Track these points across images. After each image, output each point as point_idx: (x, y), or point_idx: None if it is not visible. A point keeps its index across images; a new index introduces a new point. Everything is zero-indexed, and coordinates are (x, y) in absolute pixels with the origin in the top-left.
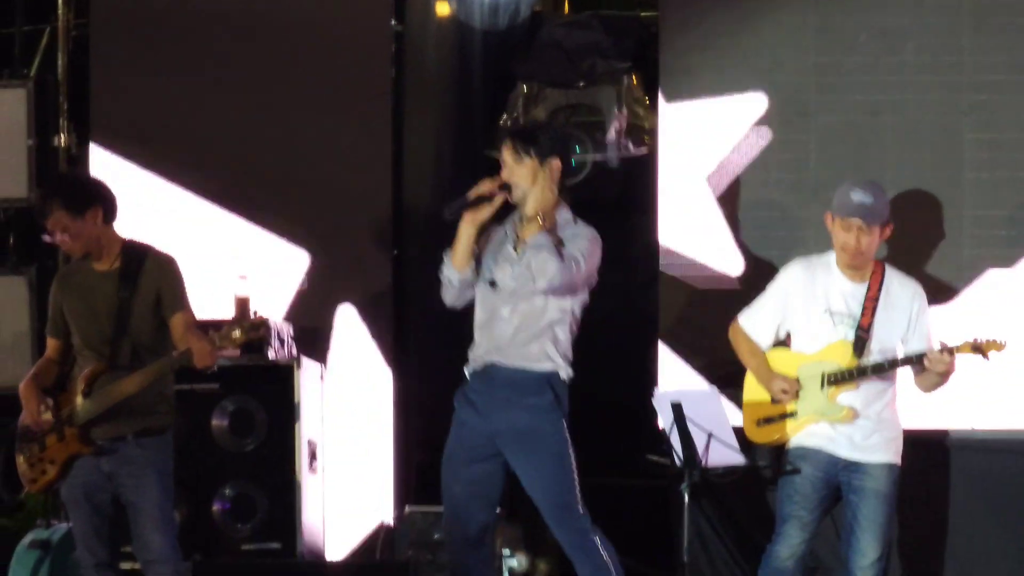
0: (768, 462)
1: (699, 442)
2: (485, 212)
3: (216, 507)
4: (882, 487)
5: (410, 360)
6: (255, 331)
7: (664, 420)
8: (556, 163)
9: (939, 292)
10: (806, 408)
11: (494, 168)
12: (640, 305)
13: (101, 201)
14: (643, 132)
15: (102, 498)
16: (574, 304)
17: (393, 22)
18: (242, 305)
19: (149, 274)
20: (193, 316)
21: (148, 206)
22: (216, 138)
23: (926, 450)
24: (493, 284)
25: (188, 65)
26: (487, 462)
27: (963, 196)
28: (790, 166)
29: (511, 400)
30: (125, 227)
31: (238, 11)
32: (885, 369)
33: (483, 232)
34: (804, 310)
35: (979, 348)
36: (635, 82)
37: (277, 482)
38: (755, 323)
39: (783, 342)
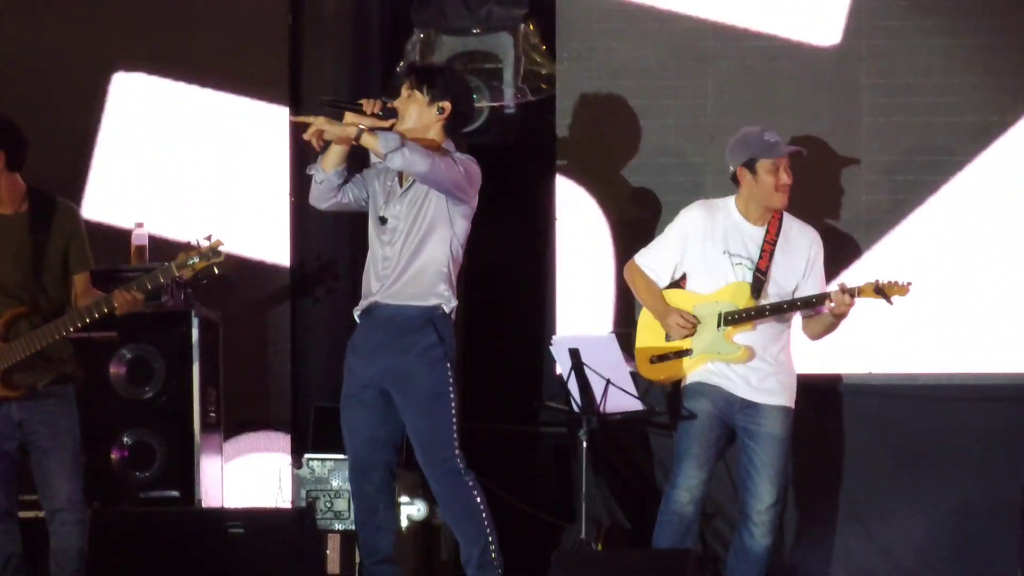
0: (664, 408)
1: (597, 388)
2: (365, 121)
3: (114, 455)
4: (777, 431)
5: (307, 306)
6: (215, 256)
7: (562, 366)
8: (447, 106)
9: (837, 237)
10: (701, 346)
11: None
12: (538, 251)
13: (6, 146)
14: (540, 79)
15: (9, 446)
16: (455, 236)
17: None
18: (140, 253)
19: (60, 221)
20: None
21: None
22: (107, 84)
23: (821, 394)
24: (384, 221)
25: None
26: (375, 406)
27: (860, 141)
28: (687, 111)
29: (391, 341)
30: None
31: None
32: (784, 310)
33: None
34: (703, 251)
35: (881, 290)
36: (531, 28)
37: (175, 430)
38: (653, 261)
39: (677, 284)
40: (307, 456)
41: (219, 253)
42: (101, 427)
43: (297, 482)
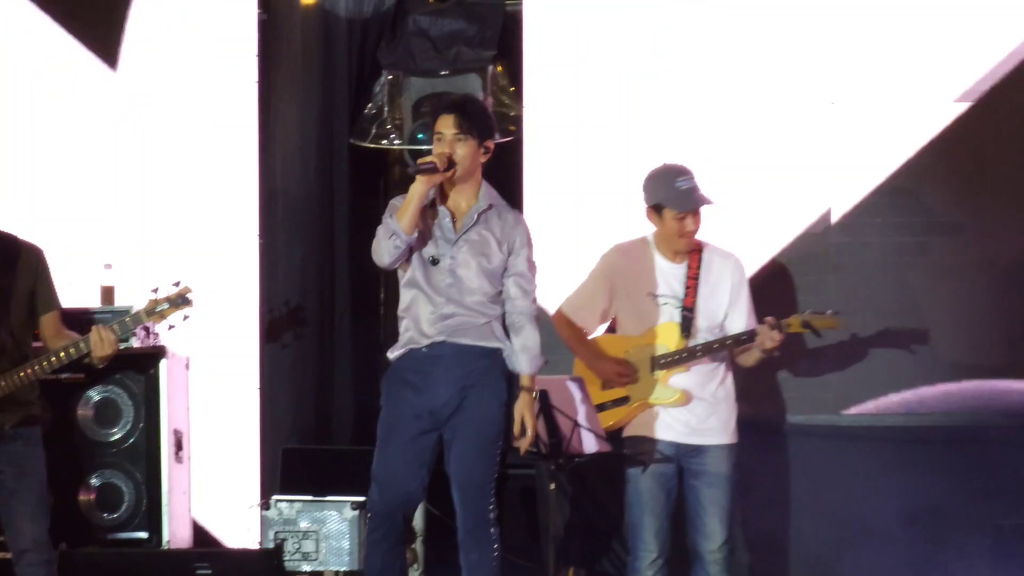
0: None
1: (565, 430)
2: (437, 179)
3: (82, 497)
4: (723, 469)
5: (277, 348)
6: (185, 303)
7: None
8: (492, 145)
9: (807, 280)
10: (638, 393)
11: (359, 155)
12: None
13: None
14: (509, 120)
15: None
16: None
17: (258, 11)
18: (108, 294)
19: (26, 263)
20: (60, 315)
21: (11, 192)
22: (77, 126)
23: (766, 435)
24: (435, 262)
25: (50, 50)
26: (426, 436)
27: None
28: (655, 151)
29: (459, 378)
30: None
31: None
32: (714, 349)
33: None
34: (627, 295)
35: (808, 324)
36: (500, 70)
37: (143, 472)
38: (579, 308)
39: (612, 329)
40: (275, 497)
41: (188, 300)
42: (69, 468)
43: (265, 523)
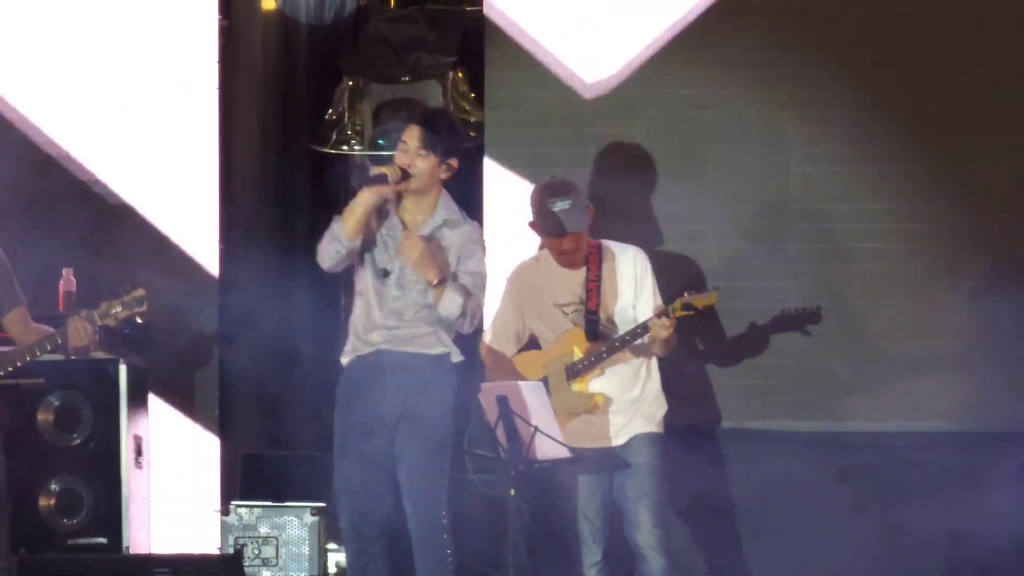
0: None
1: (524, 435)
2: (386, 191)
3: (42, 502)
4: (644, 458)
5: (236, 353)
6: (138, 305)
7: (490, 414)
8: (455, 164)
9: (766, 286)
10: (559, 405)
11: (319, 161)
12: None
13: None
14: (470, 127)
15: None
16: None
17: (219, 16)
18: (68, 298)
19: None
20: (27, 310)
21: None
22: (35, 128)
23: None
24: (385, 274)
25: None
26: (379, 445)
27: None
28: (614, 157)
29: (404, 385)
30: None
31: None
32: (616, 348)
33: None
34: (535, 310)
35: (691, 306)
36: (460, 76)
37: (103, 477)
38: (495, 334)
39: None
40: (234, 503)
41: (142, 302)
42: (28, 474)
43: (225, 529)
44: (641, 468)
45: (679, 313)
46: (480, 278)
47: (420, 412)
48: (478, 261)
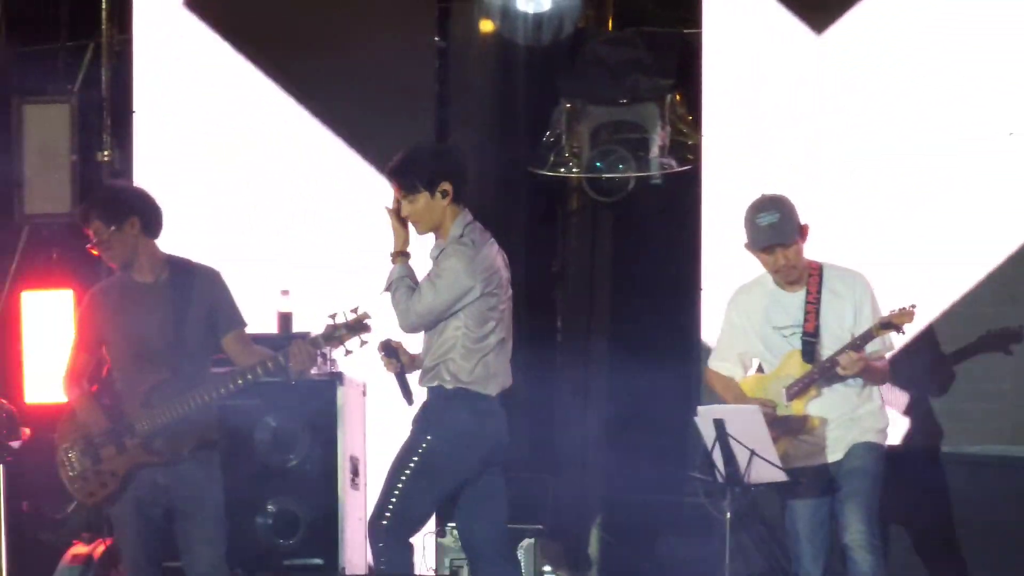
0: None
1: (741, 459)
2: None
3: (259, 522)
4: (861, 463)
5: None
6: (363, 329)
7: (706, 437)
8: (448, 187)
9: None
10: (777, 427)
11: (535, 184)
12: (682, 322)
13: (139, 212)
14: (686, 149)
15: (154, 512)
16: (466, 321)
17: (437, 38)
18: (285, 320)
19: (201, 287)
20: (246, 331)
21: (190, 220)
22: (258, 153)
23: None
24: None
25: (232, 79)
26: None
27: None
28: (837, 181)
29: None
30: (168, 240)
31: (286, 27)
32: (829, 369)
33: None
34: (756, 334)
35: (890, 324)
36: (678, 98)
37: (319, 498)
38: (720, 359)
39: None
40: (450, 524)
41: (366, 326)
42: (245, 494)
43: (441, 550)
44: (855, 472)
45: (879, 333)
46: (435, 281)
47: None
48: (447, 270)
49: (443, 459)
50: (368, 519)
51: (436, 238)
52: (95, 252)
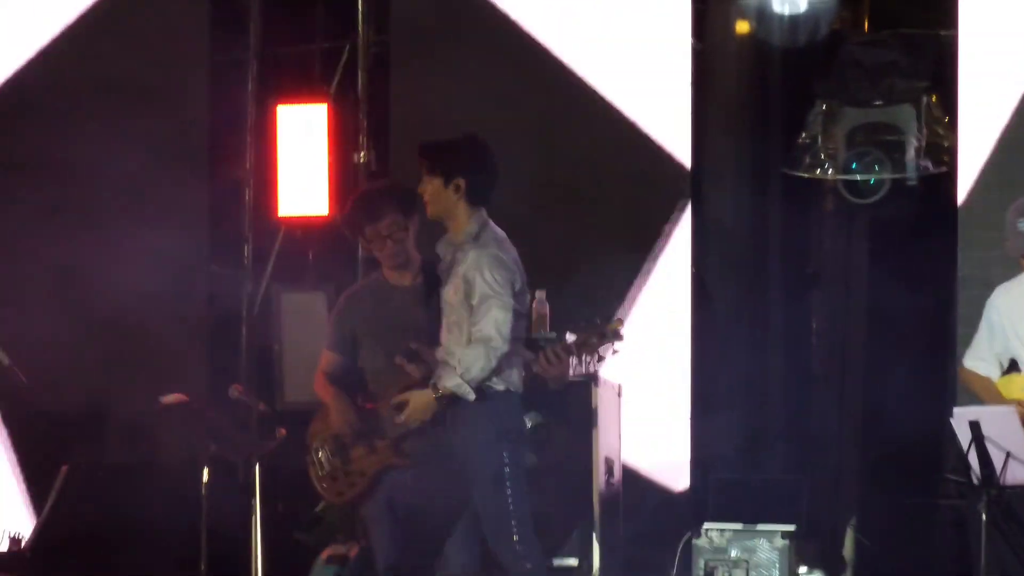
0: None
1: (997, 461)
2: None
3: None
4: None
5: (708, 377)
6: (615, 337)
7: (962, 439)
8: (462, 183)
9: None
10: None
11: (790, 186)
12: (938, 322)
13: (419, 210)
14: (943, 151)
15: (404, 513)
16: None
17: (692, 40)
18: (541, 321)
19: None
20: None
21: None
22: (511, 149)
23: None
24: None
25: (488, 80)
26: None
27: None
28: None
29: None
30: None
31: (530, 25)
32: None
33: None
34: (1016, 334)
35: None
36: (934, 100)
37: (574, 498)
38: (975, 359)
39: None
40: (706, 525)
41: (619, 335)
42: None
43: (696, 551)
44: None
45: None
46: (486, 328)
47: None
48: (484, 307)
49: (518, 458)
50: (493, 545)
51: (447, 232)
52: (372, 250)
